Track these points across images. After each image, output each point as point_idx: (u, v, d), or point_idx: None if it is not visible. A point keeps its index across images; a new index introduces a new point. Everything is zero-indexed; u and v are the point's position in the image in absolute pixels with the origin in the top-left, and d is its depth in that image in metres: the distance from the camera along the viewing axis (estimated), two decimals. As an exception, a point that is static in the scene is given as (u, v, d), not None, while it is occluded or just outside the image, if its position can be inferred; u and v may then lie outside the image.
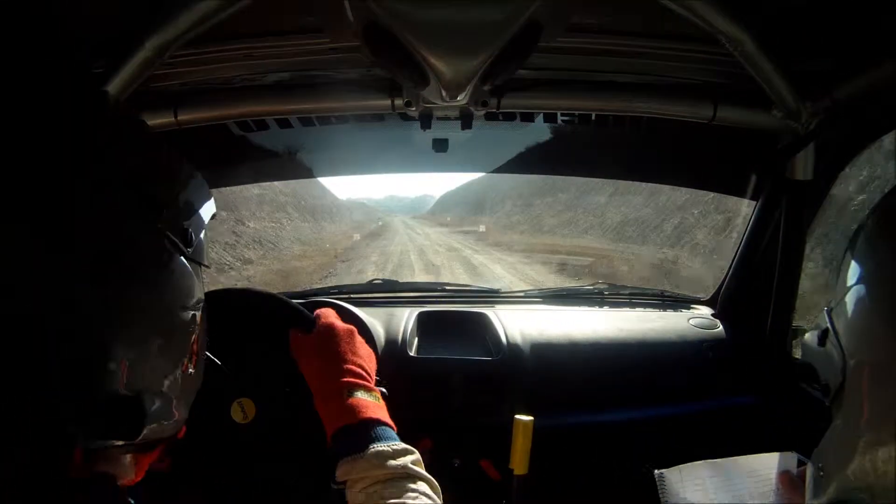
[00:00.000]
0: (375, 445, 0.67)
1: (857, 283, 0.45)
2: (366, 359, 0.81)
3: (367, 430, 0.69)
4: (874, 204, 0.49)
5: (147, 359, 0.44)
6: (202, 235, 0.52)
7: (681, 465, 0.78)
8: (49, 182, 0.39)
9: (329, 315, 0.86)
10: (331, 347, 0.79)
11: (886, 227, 0.47)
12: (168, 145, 0.52)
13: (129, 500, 0.45)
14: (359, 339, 0.83)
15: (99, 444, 0.43)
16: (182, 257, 0.48)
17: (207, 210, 0.54)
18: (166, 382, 0.47)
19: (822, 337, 0.49)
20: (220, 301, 0.85)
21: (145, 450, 0.50)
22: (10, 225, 0.38)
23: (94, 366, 0.40)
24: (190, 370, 0.50)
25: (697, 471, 0.77)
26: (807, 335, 0.54)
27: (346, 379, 0.75)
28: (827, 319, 0.48)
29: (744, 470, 0.75)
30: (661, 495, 0.77)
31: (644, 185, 11.36)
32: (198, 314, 0.50)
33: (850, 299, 0.45)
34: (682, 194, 11.41)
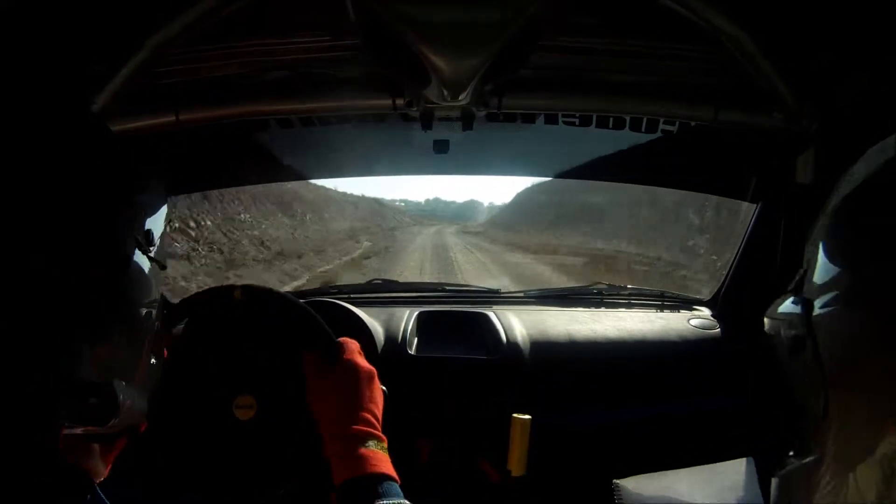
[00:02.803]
0: (381, 501, 0.67)
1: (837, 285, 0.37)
2: (379, 405, 0.79)
3: (375, 485, 0.69)
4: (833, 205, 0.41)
5: (113, 349, 0.47)
6: (159, 238, 0.55)
7: (639, 475, 0.76)
8: (24, 178, 0.43)
9: (353, 351, 0.83)
10: (351, 390, 0.77)
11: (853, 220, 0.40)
12: (134, 150, 0.54)
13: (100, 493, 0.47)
14: (376, 384, 0.81)
15: (74, 431, 0.45)
16: (145, 256, 0.50)
17: (163, 214, 0.57)
18: (130, 372, 0.49)
19: (798, 346, 0.38)
20: (255, 298, 0.86)
21: (109, 441, 0.51)
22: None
23: (68, 354, 0.43)
24: (152, 361, 0.53)
25: (656, 480, 0.76)
26: (778, 342, 0.43)
27: (360, 427, 0.74)
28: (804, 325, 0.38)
29: (706, 479, 0.73)
30: None
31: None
32: (154, 311, 0.53)
33: (832, 302, 0.37)
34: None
